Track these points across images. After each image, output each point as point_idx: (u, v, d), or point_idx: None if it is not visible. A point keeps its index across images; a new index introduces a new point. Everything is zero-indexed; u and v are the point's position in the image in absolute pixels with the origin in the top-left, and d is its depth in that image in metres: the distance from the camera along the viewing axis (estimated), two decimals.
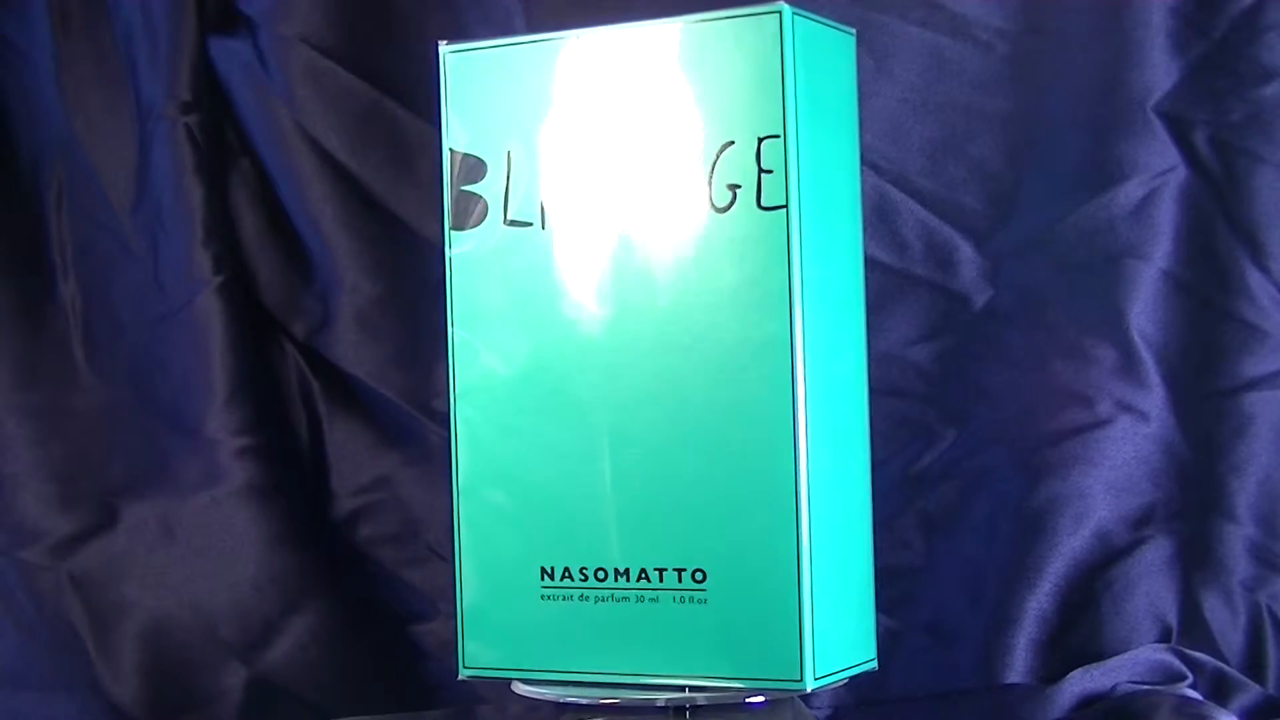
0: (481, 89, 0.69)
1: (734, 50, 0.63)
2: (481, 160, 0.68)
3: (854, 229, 0.67)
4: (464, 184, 0.68)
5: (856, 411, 0.66)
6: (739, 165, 0.63)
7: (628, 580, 0.65)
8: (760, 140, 0.63)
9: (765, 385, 0.62)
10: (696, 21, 0.64)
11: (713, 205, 0.63)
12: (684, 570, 0.64)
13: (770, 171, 0.62)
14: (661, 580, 0.64)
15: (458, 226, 0.68)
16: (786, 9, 0.62)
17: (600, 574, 0.65)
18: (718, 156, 0.63)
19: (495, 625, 0.68)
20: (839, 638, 0.63)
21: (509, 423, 0.67)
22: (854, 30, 0.66)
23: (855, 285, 0.67)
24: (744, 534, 0.62)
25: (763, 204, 0.63)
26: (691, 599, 0.63)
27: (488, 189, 0.68)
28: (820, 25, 0.64)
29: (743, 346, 0.63)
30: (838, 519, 0.64)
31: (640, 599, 0.64)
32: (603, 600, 0.65)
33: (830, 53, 0.65)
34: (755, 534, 0.62)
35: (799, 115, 0.63)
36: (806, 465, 0.62)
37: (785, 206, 0.62)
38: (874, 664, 0.66)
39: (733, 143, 0.63)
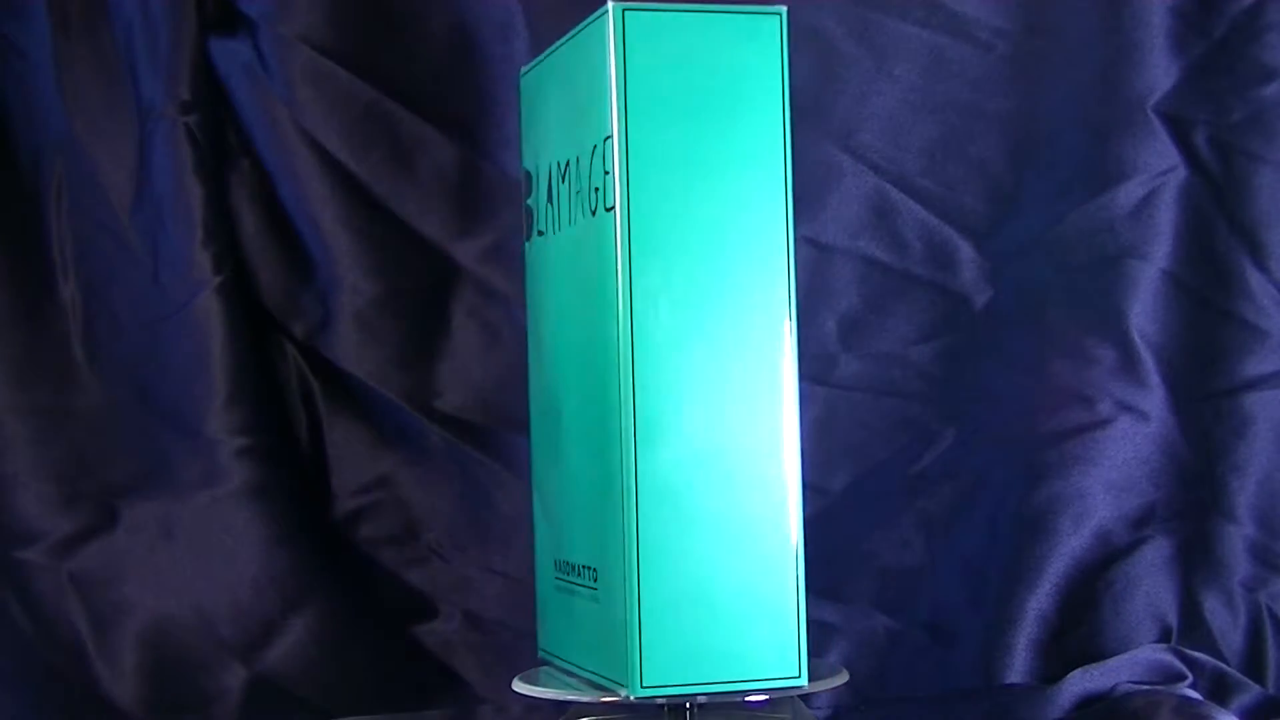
0: (526, 108, 0.73)
1: (590, 55, 0.63)
2: (530, 174, 0.72)
3: (771, 221, 0.63)
4: (525, 198, 0.72)
5: (761, 410, 0.62)
6: (598, 168, 0.63)
7: (575, 575, 0.67)
8: (605, 141, 0.62)
9: (607, 387, 0.62)
10: (574, 35, 0.65)
11: (589, 209, 0.64)
12: (589, 568, 0.65)
13: (609, 173, 0.62)
14: (582, 576, 0.66)
15: (525, 238, 0.73)
16: (615, 7, 0.61)
17: (567, 567, 0.68)
18: (590, 161, 0.64)
19: (546, 612, 0.72)
20: (703, 649, 0.61)
21: (534, 425, 0.72)
22: (782, 10, 0.63)
23: (768, 279, 0.62)
24: (615, 535, 0.62)
25: (606, 205, 0.62)
26: (593, 596, 0.64)
27: (534, 202, 0.72)
28: (697, 14, 0.62)
29: (597, 348, 0.63)
30: (710, 527, 0.61)
31: (579, 592, 0.66)
32: (567, 592, 0.68)
33: (715, 42, 0.62)
34: (619, 536, 0.62)
35: (629, 113, 0.61)
36: (638, 469, 0.61)
37: (614, 208, 0.61)
38: (800, 681, 0.62)
39: (596, 147, 0.63)
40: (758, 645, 0.61)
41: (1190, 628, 0.81)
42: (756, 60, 0.62)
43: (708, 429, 0.61)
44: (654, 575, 0.61)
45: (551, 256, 0.69)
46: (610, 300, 0.61)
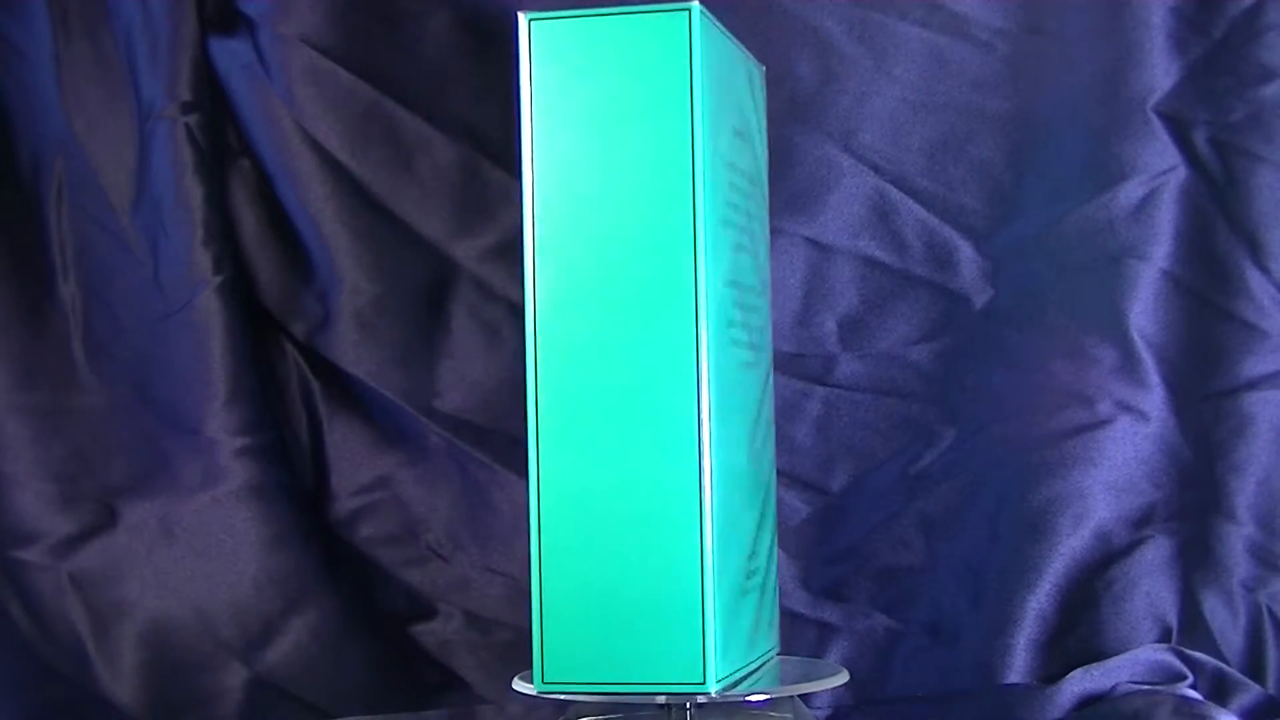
0: None
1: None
2: None
3: (678, 223, 0.61)
4: None
5: (668, 413, 0.61)
6: None
7: None
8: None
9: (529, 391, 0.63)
10: None
11: None
12: None
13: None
14: None
15: None
16: (523, 17, 0.62)
17: None
18: None
19: None
20: (607, 650, 0.61)
21: None
22: (691, 6, 0.61)
23: (673, 280, 0.61)
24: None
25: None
26: None
27: None
28: (603, 19, 0.62)
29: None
30: (614, 530, 0.61)
31: None
32: None
33: (624, 45, 0.61)
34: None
35: (535, 122, 0.62)
36: (540, 470, 0.61)
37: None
38: (706, 688, 0.61)
39: None
40: (662, 650, 0.61)
41: (1190, 628, 0.81)
42: (665, 59, 0.61)
43: (612, 432, 0.61)
44: (556, 574, 0.61)
45: None
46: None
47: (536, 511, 0.62)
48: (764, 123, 0.72)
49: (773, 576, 0.71)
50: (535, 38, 0.62)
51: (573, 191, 0.62)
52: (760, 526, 0.68)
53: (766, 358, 0.70)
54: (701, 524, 0.60)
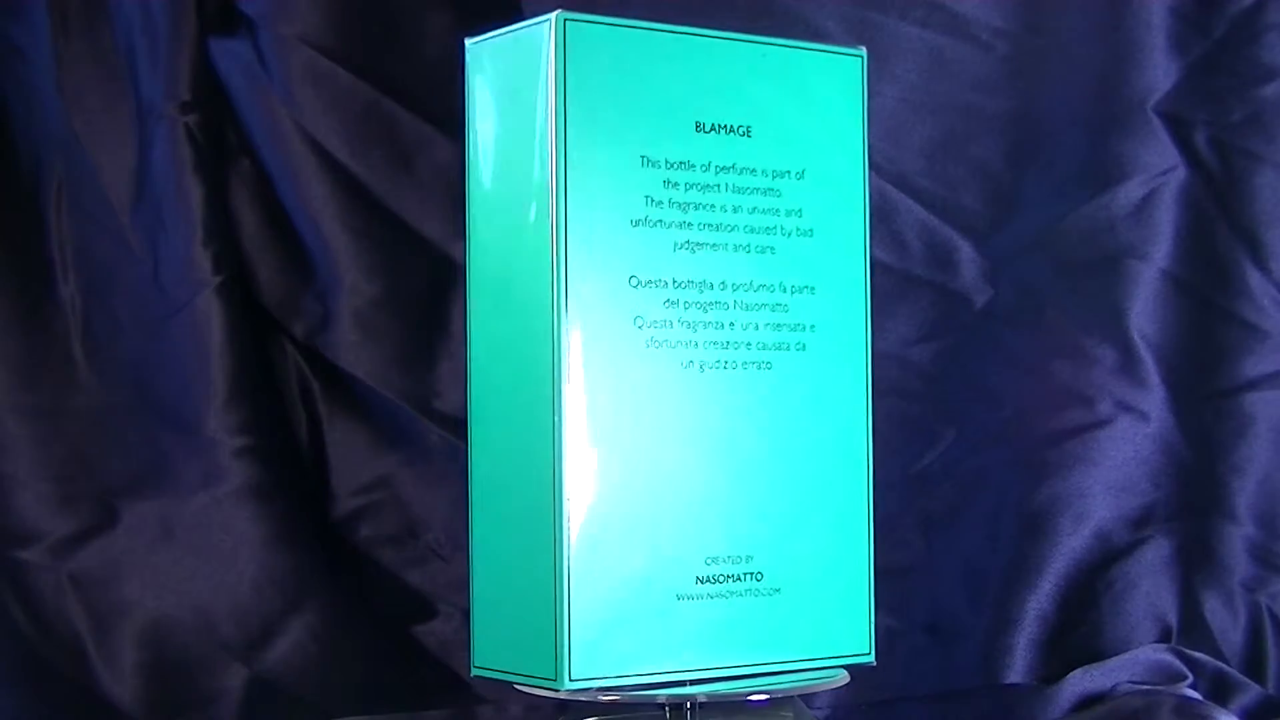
0: None
1: None
2: None
3: (538, 232, 0.62)
4: None
5: (538, 417, 0.62)
6: None
7: None
8: None
9: None
10: None
11: None
12: None
13: None
14: None
15: None
16: (468, 44, 0.65)
17: None
18: None
19: None
20: (513, 643, 0.63)
21: None
22: (550, 17, 0.62)
23: (533, 287, 0.62)
24: None
25: None
26: None
27: None
28: (503, 38, 0.64)
29: None
30: (512, 528, 0.63)
31: None
32: None
33: (519, 59, 0.63)
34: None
35: (467, 135, 0.65)
36: (471, 469, 0.64)
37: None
38: (557, 685, 0.61)
39: None
40: (532, 646, 0.62)
41: (1190, 628, 0.81)
42: (534, 71, 0.63)
43: (504, 429, 0.63)
44: (482, 569, 0.64)
45: None
46: None
47: (469, 508, 0.63)
48: (839, 115, 0.67)
49: (816, 581, 0.68)
50: (469, 58, 0.65)
51: (486, 201, 0.64)
52: (764, 527, 0.67)
53: (796, 358, 0.68)
54: (557, 521, 0.61)
